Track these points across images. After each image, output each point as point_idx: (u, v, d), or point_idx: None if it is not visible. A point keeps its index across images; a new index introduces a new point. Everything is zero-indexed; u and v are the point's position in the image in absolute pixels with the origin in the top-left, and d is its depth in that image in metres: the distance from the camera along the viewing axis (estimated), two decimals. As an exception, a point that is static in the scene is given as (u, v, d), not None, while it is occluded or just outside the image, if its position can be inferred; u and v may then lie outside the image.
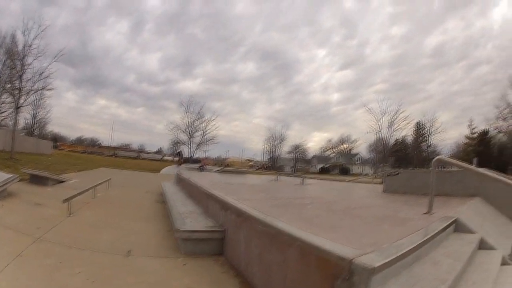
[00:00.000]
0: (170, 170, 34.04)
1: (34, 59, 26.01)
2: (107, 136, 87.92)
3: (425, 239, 3.40)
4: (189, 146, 69.91)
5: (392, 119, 60.99)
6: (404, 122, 61.40)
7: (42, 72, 26.95)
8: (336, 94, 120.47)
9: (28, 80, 26.32)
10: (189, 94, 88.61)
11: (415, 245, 3.11)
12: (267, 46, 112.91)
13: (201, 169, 32.24)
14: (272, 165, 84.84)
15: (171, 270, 4.28)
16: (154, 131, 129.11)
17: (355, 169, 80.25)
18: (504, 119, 47.53)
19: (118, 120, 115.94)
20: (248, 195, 7.33)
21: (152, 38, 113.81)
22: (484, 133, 57.63)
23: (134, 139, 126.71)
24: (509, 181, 5.62)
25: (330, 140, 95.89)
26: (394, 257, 2.66)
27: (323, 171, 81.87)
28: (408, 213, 5.30)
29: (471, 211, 6.35)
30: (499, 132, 51.62)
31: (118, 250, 4.89)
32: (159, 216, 7.89)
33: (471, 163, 45.97)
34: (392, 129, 61.66)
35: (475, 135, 60.19)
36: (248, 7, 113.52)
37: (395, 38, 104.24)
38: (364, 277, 2.32)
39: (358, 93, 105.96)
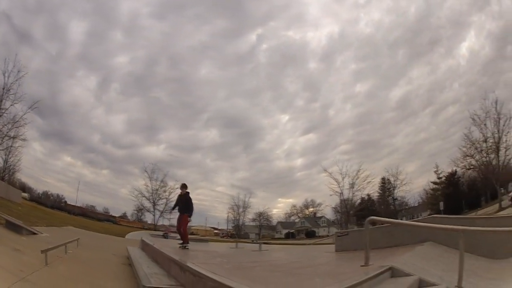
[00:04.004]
0: (134, 235, 37.81)
1: (11, 105, 26.96)
2: (72, 195, 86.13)
3: (347, 286, 4.41)
4: (153, 213, 75.16)
5: (353, 180, 66.66)
6: (365, 182, 66.99)
7: (17, 121, 28.77)
8: (300, 159, 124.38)
9: (4, 125, 27.26)
10: (153, 161, 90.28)
11: None
12: (230, 112, 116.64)
13: (165, 236, 33.62)
14: (236, 233, 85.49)
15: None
16: (118, 195, 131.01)
17: (321, 231, 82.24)
18: (472, 156, 51.40)
19: (83, 180, 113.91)
20: (206, 260, 8.65)
21: (118, 98, 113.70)
22: (452, 174, 62.34)
23: (99, 201, 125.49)
24: (440, 226, 7.08)
25: (294, 206, 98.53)
26: None
27: (289, 236, 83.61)
28: (346, 268, 6.43)
29: (414, 256, 7.70)
30: (468, 169, 55.48)
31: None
32: (126, 277, 8.85)
33: (439, 207, 49.30)
34: (353, 190, 67.46)
35: (442, 179, 64.99)
36: (212, 72, 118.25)
37: (359, 96, 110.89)
38: None
39: (322, 156, 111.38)
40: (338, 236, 13.10)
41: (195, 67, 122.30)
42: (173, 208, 13.63)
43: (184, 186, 13.05)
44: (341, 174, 66.99)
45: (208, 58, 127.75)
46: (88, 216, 73.65)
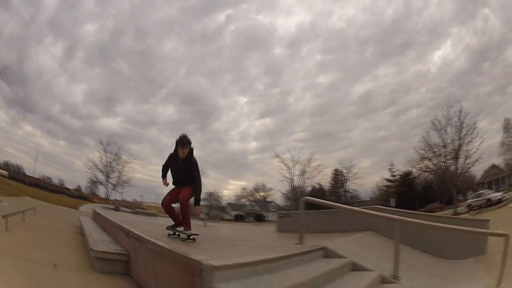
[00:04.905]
0: (87, 207, 41.47)
1: None
2: (31, 166, 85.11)
3: (274, 256, 4.81)
4: (106, 186, 77.05)
5: (304, 168, 71.80)
6: (316, 171, 72.23)
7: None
8: (254, 142, 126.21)
9: None
10: (109, 133, 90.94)
11: (259, 259, 4.58)
12: (189, 90, 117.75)
13: (117, 209, 39.64)
14: None
15: (88, 280, 5.64)
16: (74, 167, 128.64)
17: (270, 216, 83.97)
18: (430, 159, 53.63)
19: (41, 151, 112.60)
20: (151, 229, 8.92)
21: (81, 67, 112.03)
22: (407, 174, 65.59)
23: (55, 173, 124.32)
24: (375, 213, 7.53)
25: (245, 189, 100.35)
26: (233, 263, 4.09)
27: (238, 218, 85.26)
28: (281, 243, 6.77)
29: (350, 242, 8.20)
30: (425, 171, 57.94)
31: (47, 263, 6.15)
32: (78, 244, 9.37)
33: (390, 203, 51.36)
34: (304, 178, 72.34)
35: (396, 177, 68.22)
36: (176, 48, 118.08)
37: (320, 86, 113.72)
38: (208, 272, 3.70)
39: (277, 142, 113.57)
40: (280, 217, 14.01)
41: (160, 41, 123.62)
42: (163, 175, 7.88)
43: (185, 142, 7.35)
44: (292, 160, 69.73)
45: (174, 33, 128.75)
46: (62, 193, 73.97)
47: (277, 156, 73.02)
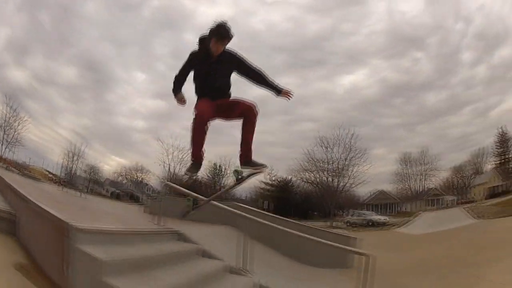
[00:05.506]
0: None
1: None
2: None
3: (131, 230, 5.68)
4: (1, 144, 69.55)
5: (183, 156, 70.26)
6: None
7: None
8: (142, 122, 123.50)
9: None
10: (14, 86, 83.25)
11: (117, 230, 5.67)
12: (96, 56, 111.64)
13: (7, 169, 41.59)
14: (68, 181, 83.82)
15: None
16: None
17: (145, 198, 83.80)
18: (312, 172, 57.06)
19: None
20: (33, 191, 9.73)
21: (12, 11, 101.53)
22: (287, 182, 68.90)
23: None
24: (230, 209, 8.68)
25: (125, 167, 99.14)
26: (95, 228, 5.07)
27: (114, 196, 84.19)
28: (141, 222, 7.51)
29: (208, 232, 9.37)
30: (307, 182, 61.41)
31: None
32: None
33: (263, 205, 53.83)
34: (181, 166, 70.68)
35: (274, 182, 71.08)
36: (97, 10, 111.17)
37: None
38: (73, 233, 4.38)
39: (164, 125, 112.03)
40: (148, 198, 14.97)
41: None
42: (177, 87, 5.84)
43: (224, 34, 5.76)
44: (173, 147, 70.51)
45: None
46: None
47: (159, 139, 73.21)
